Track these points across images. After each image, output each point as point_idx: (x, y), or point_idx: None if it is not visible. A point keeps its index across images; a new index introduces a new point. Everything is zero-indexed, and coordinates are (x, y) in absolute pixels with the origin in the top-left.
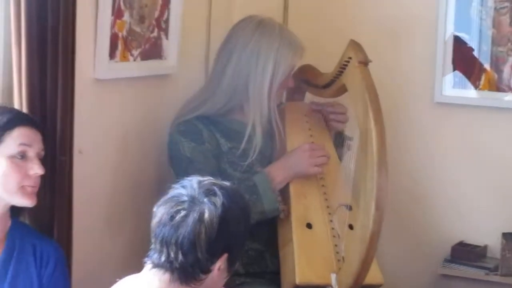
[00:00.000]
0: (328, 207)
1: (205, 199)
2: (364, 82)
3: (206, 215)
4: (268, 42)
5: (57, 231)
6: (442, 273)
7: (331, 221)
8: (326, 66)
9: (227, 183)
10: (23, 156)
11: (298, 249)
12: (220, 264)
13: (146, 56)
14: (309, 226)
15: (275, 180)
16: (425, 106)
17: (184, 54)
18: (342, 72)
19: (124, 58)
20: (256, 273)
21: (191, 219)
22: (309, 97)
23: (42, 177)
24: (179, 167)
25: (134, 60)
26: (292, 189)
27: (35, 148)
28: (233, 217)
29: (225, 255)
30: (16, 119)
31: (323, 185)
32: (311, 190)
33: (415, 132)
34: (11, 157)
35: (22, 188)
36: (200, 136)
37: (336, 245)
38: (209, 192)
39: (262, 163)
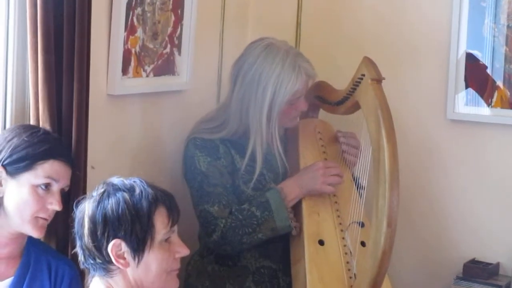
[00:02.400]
0: (340, 224)
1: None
2: (377, 99)
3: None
4: (271, 66)
5: (72, 249)
6: None
7: (343, 238)
8: (340, 83)
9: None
10: (47, 187)
11: (310, 265)
12: (113, 249)
13: (159, 72)
14: (321, 242)
15: (288, 197)
16: (438, 123)
17: (197, 70)
18: (355, 89)
19: (137, 74)
20: None
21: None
22: (322, 114)
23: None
24: (194, 181)
25: (147, 76)
26: (304, 205)
27: (61, 183)
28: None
29: (116, 241)
30: (53, 152)
31: (335, 202)
32: (323, 206)
33: (428, 149)
34: (35, 186)
35: (35, 219)
36: (217, 152)
37: (348, 262)
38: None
39: (276, 181)
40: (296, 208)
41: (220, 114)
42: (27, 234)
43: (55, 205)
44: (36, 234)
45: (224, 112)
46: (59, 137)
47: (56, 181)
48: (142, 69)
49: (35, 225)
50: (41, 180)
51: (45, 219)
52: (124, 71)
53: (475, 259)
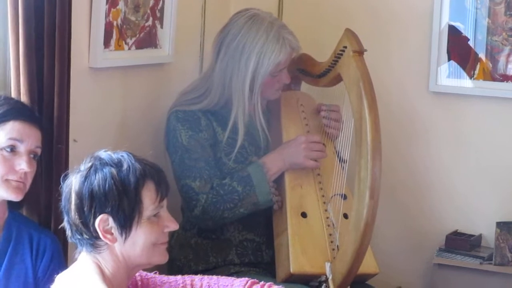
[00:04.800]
0: (323, 196)
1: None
2: (358, 71)
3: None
4: (255, 37)
5: (54, 223)
6: (437, 262)
7: (326, 210)
8: (322, 55)
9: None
10: (12, 150)
11: (292, 238)
12: (100, 224)
13: (141, 45)
14: (304, 215)
15: (270, 170)
16: (420, 95)
17: (179, 43)
18: (337, 61)
19: (118, 47)
20: (251, 263)
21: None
22: (305, 86)
23: (40, 166)
24: (175, 155)
25: (129, 49)
26: (287, 179)
27: (28, 144)
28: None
29: (103, 216)
30: (12, 112)
31: (318, 174)
32: (306, 179)
33: (410, 122)
34: (0, 150)
35: (6, 182)
36: (198, 125)
37: (330, 234)
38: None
39: (257, 154)
40: (279, 181)
41: (202, 84)
42: (6, 199)
43: (23, 166)
44: (12, 196)
45: (206, 81)
46: (20, 100)
47: (20, 141)
48: (124, 42)
49: (9, 187)
50: (4, 143)
51: (17, 181)
52: (106, 44)
53: (458, 231)
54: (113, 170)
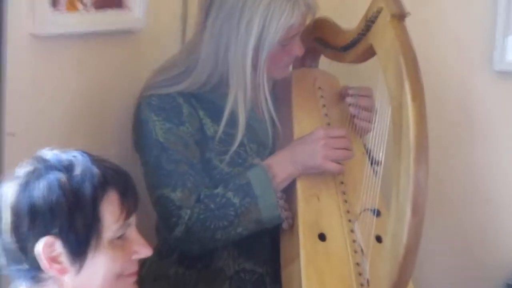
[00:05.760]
0: (348, 212)
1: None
2: (398, 42)
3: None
4: None
5: None
6: None
7: (352, 231)
8: (348, 20)
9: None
10: None
11: (307, 267)
12: (44, 250)
13: (102, 4)
14: (322, 237)
15: (277, 177)
16: (482, 76)
17: (154, 2)
18: (369, 28)
19: (71, 7)
20: None
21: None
22: (324, 62)
23: None
24: (149, 155)
25: (86, 10)
26: (300, 188)
27: None
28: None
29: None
30: None
31: (341, 183)
32: (325, 189)
33: (469, 110)
34: None
35: None
36: (179, 114)
37: (358, 264)
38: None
39: (260, 154)
40: (289, 192)
41: (185, 58)
42: None
43: None
44: None
45: (191, 54)
46: None
47: None
48: (79, 1)
49: None
50: None
51: None
52: (55, 3)
53: None
54: (62, 176)
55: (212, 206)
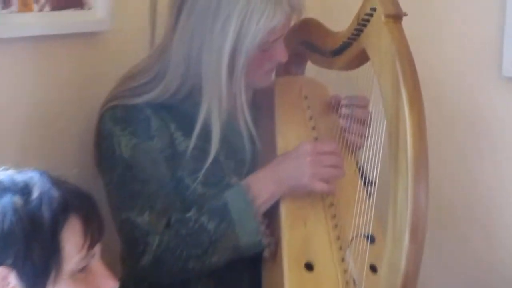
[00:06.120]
0: (339, 238)
1: None
2: (394, 46)
3: None
4: None
5: None
6: None
7: (343, 260)
8: (339, 21)
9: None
10: None
11: None
12: None
13: (60, 4)
14: (309, 267)
15: (258, 198)
16: (488, 82)
17: (120, 3)
18: (361, 30)
19: (25, 8)
20: None
21: None
22: (311, 69)
23: None
24: (112, 174)
25: (40, 10)
26: (284, 210)
27: None
28: None
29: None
30: None
31: (331, 204)
32: (313, 212)
33: (474, 120)
34: None
35: None
36: (147, 127)
37: None
38: None
39: (238, 172)
40: (271, 215)
41: (154, 63)
42: None
43: None
44: None
45: (160, 59)
46: None
47: None
48: (33, 1)
49: None
50: None
51: None
52: (6, 3)
53: None
54: (18, 200)
55: (184, 232)
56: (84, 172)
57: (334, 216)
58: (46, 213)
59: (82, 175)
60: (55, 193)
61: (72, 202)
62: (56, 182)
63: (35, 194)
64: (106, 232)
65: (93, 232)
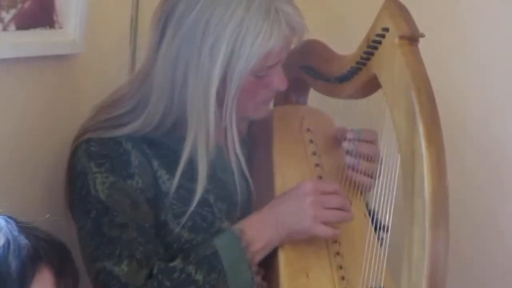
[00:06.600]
0: None
1: None
2: (409, 72)
3: None
4: (227, 8)
5: None
6: None
7: None
8: (346, 43)
9: None
10: None
11: None
12: None
13: (27, 22)
14: None
15: (252, 245)
16: None
17: (95, 21)
18: (372, 54)
19: None
20: None
21: None
22: (315, 97)
23: None
24: (86, 216)
25: (5, 29)
26: (283, 260)
27: None
28: None
29: None
30: None
31: (337, 253)
32: (316, 262)
33: (502, 161)
34: None
35: None
36: (126, 164)
37: None
38: None
39: (230, 215)
40: (268, 265)
41: (133, 92)
42: None
43: None
44: None
45: (141, 87)
46: None
47: None
48: None
49: None
50: None
51: None
52: None
53: None
54: None
55: (168, 284)
56: (58, 217)
57: (340, 267)
58: (13, 264)
59: (55, 221)
60: (23, 241)
61: (43, 251)
62: (25, 228)
63: (1, 242)
64: (81, 285)
65: (66, 285)
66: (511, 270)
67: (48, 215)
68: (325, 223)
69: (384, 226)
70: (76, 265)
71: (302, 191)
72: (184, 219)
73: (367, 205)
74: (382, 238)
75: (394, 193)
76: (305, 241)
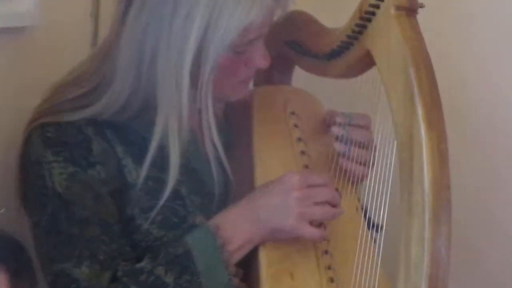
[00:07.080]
0: None
1: None
2: (406, 47)
3: None
4: None
5: None
6: None
7: None
8: (335, 17)
9: None
10: None
11: None
12: None
13: None
14: None
15: (230, 243)
16: None
17: None
18: (365, 27)
19: None
20: None
21: None
22: (301, 76)
23: None
24: (41, 212)
25: None
26: (264, 260)
27: None
28: None
29: None
30: None
31: (325, 252)
32: (302, 262)
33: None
34: None
35: None
36: (87, 152)
37: None
38: None
39: (205, 209)
40: (248, 265)
41: (95, 69)
42: None
43: None
44: None
45: (103, 64)
46: None
47: None
48: None
49: None
50: None
51: None
52: None
53: None
54: None
55: (134, 287)
56: (12, 213)
57: (329, 267)
58: None
59: (10, 217)
60: None
61: None
62: None
63: None
64: None
65: None
66: None
67: (3, 210)
68: (311, 222)
69: (377, 223)
70: (33, 266)
71: (287, 184)
72: (153, 214)
73: (359, 199)
74: (376, 236)
75: (390, 183)
76: (289, 241)
